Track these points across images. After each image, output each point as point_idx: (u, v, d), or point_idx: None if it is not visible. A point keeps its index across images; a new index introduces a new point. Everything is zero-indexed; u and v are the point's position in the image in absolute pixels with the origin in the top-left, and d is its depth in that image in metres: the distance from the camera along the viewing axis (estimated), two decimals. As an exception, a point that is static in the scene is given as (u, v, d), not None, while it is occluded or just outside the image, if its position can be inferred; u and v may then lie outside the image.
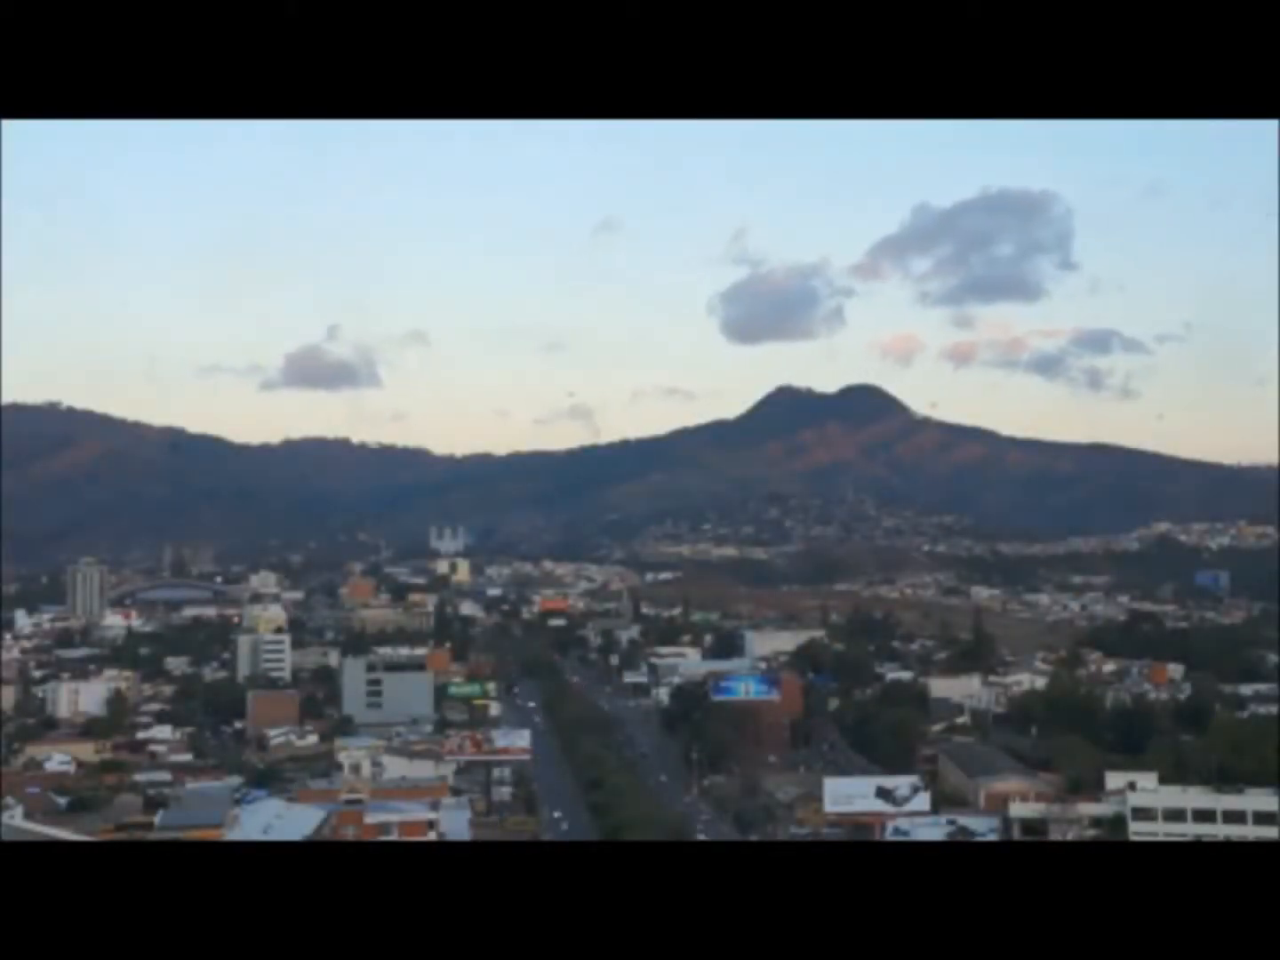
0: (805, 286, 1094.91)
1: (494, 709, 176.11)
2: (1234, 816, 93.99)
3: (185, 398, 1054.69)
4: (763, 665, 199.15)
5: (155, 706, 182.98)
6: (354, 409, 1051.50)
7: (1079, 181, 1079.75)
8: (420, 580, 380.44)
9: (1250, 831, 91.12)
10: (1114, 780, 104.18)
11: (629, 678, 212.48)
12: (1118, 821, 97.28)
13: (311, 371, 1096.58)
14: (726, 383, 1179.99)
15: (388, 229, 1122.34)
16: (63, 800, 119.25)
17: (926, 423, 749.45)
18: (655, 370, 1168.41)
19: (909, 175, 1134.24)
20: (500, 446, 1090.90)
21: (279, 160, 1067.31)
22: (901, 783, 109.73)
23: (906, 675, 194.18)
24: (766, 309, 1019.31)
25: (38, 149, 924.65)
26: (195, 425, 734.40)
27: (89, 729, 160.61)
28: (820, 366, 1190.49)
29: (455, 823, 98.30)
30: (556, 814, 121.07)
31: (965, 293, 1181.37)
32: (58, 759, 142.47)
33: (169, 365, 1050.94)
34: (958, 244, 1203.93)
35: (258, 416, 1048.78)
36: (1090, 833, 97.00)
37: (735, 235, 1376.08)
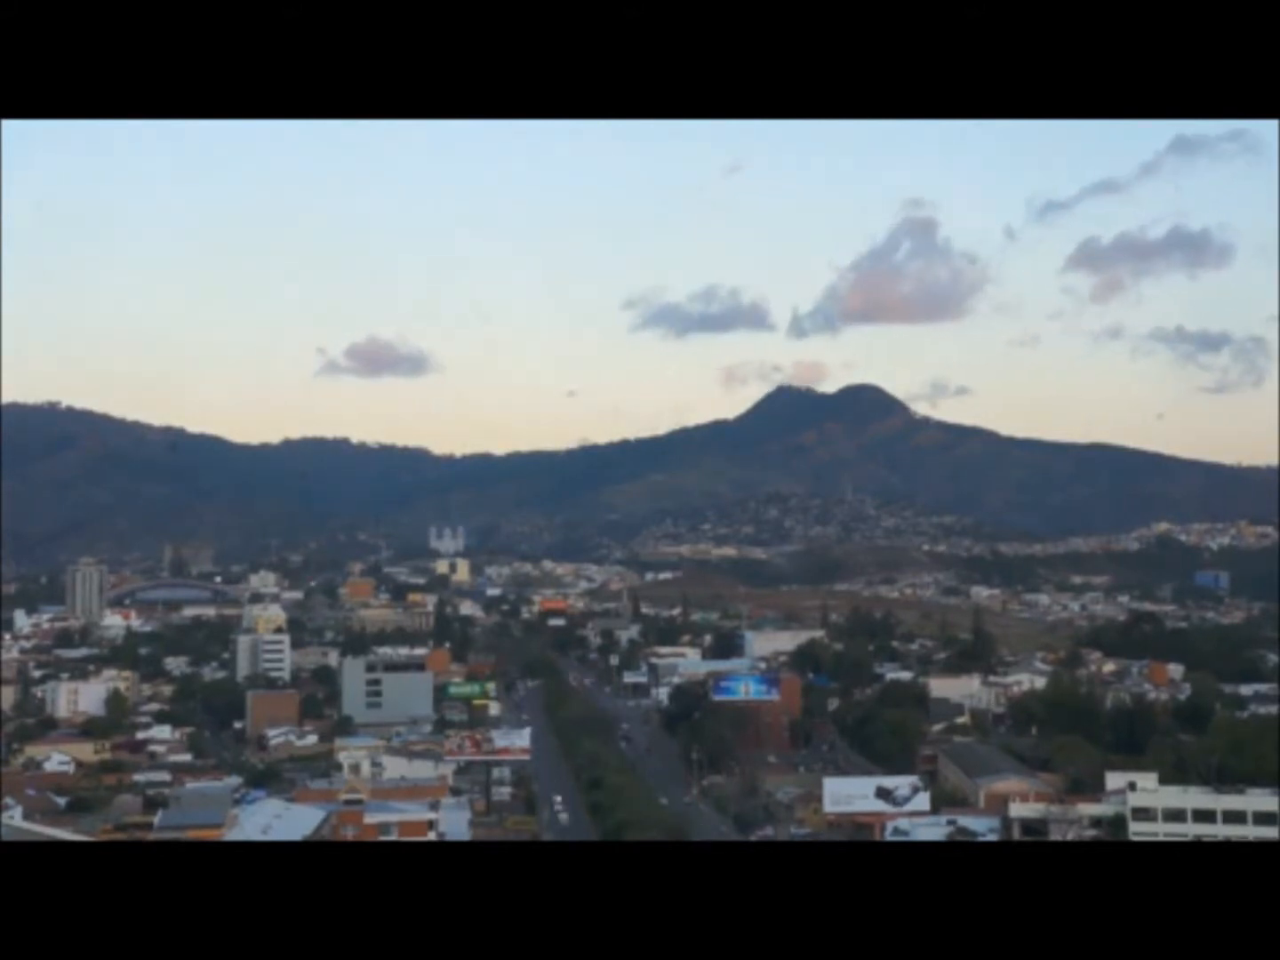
0: (949, 260, 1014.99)
1: (494, 709, 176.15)
2: (1234, 816, 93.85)
3: (233, 389, 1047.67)
4: (763, 665, 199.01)
5: (155, 706, 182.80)
6: (413, 399, 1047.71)
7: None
8: (420, 580, 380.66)
9: (1250, 831, 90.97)
10: (1114, 780, 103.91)
11: (629, 678, 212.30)
12: (1118, 821, 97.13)
13: (378, 359, 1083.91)
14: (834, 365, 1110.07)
15: (455, 211, 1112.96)
16: (62, 800, 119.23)
17: (926, 423, 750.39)
18: (760, 348, 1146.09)
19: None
20: (500, 446, 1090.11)
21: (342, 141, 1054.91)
22: (901, 783, 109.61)
23: (906, 675, 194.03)
24: (894, 285, 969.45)
25: (38, 149, 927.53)
26: (195, 425, 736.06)
27: (88, 729, 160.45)
28: (944, 348, 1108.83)
29: (455, 823, 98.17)
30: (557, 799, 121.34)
31: (1136, 256, 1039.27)
32: (57, 759, 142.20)
33: (211, 360, 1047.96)
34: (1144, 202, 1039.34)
35: (300, 409, 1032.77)
36: (1090, 833, 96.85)
37: (885, 201, 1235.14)
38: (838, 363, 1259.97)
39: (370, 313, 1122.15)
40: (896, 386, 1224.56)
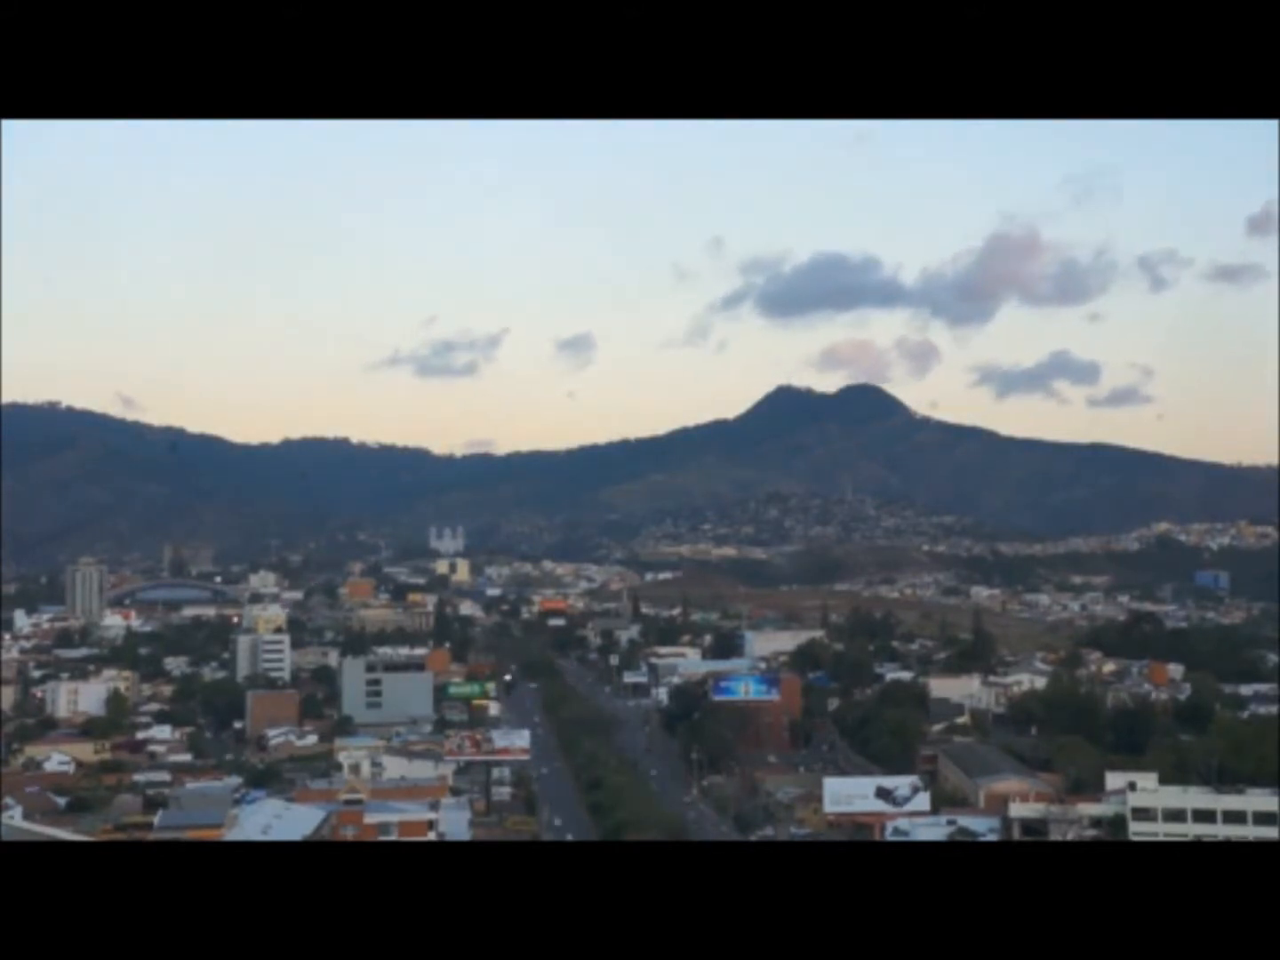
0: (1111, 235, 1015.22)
1: (494, 709, 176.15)
2: (1234, 816, 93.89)
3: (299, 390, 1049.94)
4: (763, 665, 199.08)
5: (155, 706, 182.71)
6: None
7: None
8: (420, 580, 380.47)
9: (1250, 831, 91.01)
10: (1114, 780, 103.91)
11: (629, 678, 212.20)
12: (1118, 821, 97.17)
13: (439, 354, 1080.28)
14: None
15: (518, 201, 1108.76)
16: (62, 800, 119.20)
17: (926, 423, 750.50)
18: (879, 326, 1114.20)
19: None
20: (500, 446, 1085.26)
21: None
22: (901, 783, 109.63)
23: (906, 675, 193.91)
24: (1039, 261, 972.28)
25: (38, 149, 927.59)
26: (195, 425, 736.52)
27: (88, 729, 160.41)
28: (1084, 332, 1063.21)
29: (455, 823, 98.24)
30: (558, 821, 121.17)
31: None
32: (57, 759, 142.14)
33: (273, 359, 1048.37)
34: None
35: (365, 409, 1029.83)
36: (1090, 833, 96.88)
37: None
38: (957, 338, 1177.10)
39: (429, 306, 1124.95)
40: (1016, 362, 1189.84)
